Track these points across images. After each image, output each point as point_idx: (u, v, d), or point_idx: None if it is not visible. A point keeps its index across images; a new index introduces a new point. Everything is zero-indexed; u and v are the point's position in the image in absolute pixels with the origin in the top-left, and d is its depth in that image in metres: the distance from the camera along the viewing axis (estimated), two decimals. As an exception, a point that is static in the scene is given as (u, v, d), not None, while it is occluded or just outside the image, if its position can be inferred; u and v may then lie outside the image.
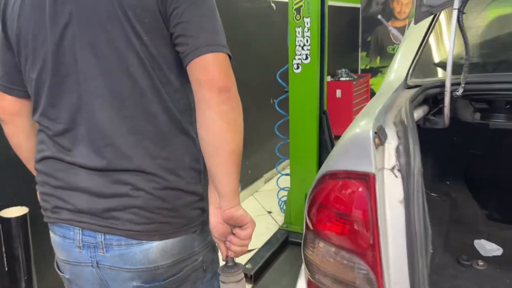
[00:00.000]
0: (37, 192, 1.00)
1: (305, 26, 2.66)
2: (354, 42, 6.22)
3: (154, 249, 0.89)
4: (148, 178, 0.86)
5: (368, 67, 6.35)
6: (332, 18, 3.11)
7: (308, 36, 2.67)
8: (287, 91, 2.86)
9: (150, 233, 0.88)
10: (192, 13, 0.82)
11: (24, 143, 1.05)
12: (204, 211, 0.94)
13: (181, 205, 0.90)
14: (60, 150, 0.92)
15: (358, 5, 6.19)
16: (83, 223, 0.90)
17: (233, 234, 0.90)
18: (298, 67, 2.74)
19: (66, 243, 0.94)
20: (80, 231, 0.91)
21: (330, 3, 3.02)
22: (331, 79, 5.13)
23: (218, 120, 0.81)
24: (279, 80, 2.96)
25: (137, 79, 0.85)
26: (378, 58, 6.26)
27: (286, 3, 2.69)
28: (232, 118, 0.82)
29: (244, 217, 0.88)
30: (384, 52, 6.18)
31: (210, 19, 0.84)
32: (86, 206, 0.89)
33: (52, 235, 0.98)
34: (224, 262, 0.92)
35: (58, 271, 1.02)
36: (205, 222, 0.94)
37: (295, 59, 2.73)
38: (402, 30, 5.96)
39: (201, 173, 0.93)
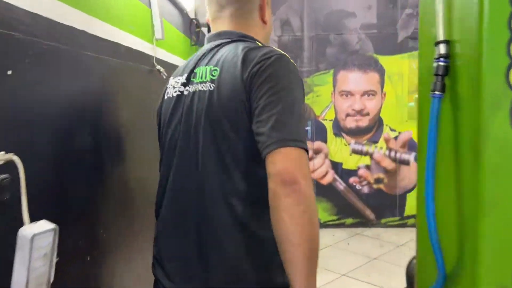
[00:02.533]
0: None
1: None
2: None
3: None
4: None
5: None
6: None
7: None
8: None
9: None
10: (267, 111, 0.87)
11: None
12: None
13: None
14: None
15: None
16: None
17: None
18: None
19: None
20: None
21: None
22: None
23: (281, 213, 0.82)
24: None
25: (224, 172, 0.94)
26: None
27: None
28: (297, 211, 0.81)
29: None
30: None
31: (283, 114, 0.86)
32: None
33: None
34: None
35: None
36: None
37: None
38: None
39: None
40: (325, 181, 4.45)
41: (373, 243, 4.22)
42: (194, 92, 0.98)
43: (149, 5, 1.62)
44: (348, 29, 4.35)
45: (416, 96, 4.65)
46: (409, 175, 4.47)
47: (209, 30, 2.98)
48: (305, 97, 3.58)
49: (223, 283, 0.93)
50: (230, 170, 0.92)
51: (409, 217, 4.54)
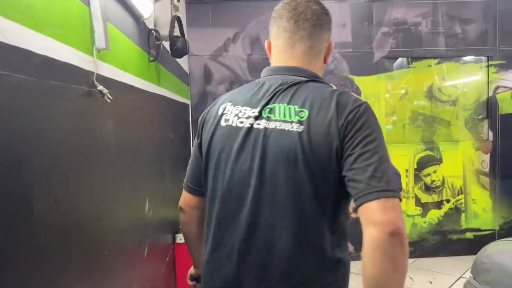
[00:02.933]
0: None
1: None
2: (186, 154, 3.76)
3: None
4: None
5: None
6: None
7: None
8: None
9: None
10: (364, 160, 0.90)
11: (194, 231, 1.23)
12: None
13: None
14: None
15: (188, 102, 3.94)
16: None
17: None
18: None
19: None
20: None
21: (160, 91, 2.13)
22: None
23: (386, 261, 0.85)
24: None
25: (305, 211, 0.96)
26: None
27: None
28: (400, 260, 0.86)
29: None
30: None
31: (380, 165, 0.90)
32: None
33: None
34: None
35: None
36: None
37: None
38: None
39: None
40: (300, 211, 4.06)
41: (354, 279, 3.79)
42: (272, 129, 0.99)
43: (88, 3, 1.17)
44: (322, 48, 4.06)
45: (394, 118, 4.49)
46: (389, 203, 4.18)
47: (176, 48, 2.57)
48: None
49: None
50: (313, 212, 0.96)
51: (389, 248, 4.22)
